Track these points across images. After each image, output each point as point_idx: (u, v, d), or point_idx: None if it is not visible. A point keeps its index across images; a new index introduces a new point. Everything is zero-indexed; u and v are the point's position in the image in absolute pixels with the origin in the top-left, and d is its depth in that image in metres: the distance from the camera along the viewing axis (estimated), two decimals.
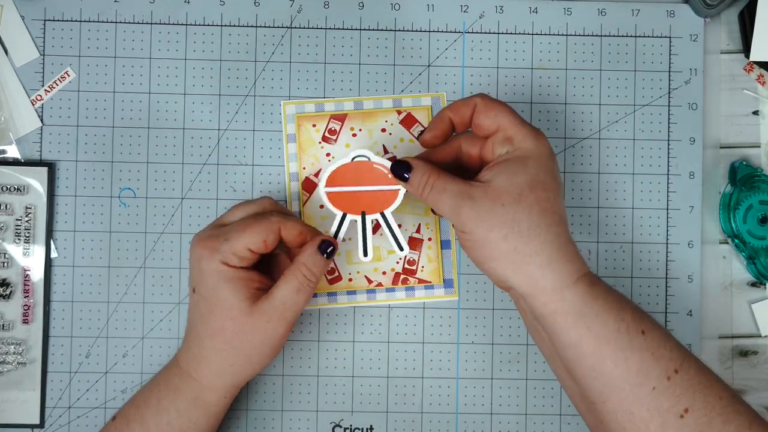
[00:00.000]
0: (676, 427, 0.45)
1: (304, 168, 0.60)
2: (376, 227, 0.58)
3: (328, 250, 0.52)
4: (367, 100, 0.60)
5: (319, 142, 0.60)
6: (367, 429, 0.60)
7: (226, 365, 0.52)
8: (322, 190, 0.53)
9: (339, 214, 0.53)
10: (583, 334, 0.47)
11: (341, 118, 0.60)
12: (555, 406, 0.60)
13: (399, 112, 0.60)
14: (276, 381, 0.60)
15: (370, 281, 0.60)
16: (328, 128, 0.60)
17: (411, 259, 0.60)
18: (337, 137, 0.60)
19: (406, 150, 0.60)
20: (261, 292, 0.52)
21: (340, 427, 0.60)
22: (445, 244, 0.60)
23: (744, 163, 0.60)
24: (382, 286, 0.60)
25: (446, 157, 0.53)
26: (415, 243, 0.60)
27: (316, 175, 0.60)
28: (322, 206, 0.60)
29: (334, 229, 0.53)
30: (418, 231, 0.60)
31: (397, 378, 0.60)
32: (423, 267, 0.60)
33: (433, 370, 0.60)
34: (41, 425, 0.59)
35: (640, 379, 0.46)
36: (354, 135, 0.60)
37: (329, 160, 0.60)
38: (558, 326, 0.47)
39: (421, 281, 0.60)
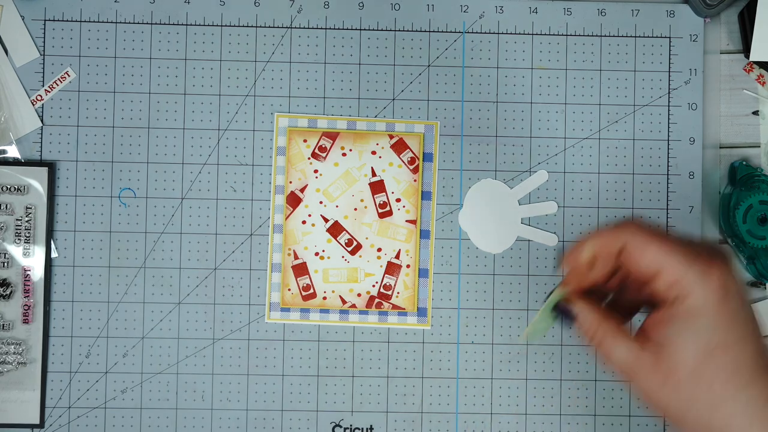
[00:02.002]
0: None
1: (290, 182, 0.60)
2: (356, 248, 0.58)
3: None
4: (360, 120, 0.60)
5: (309, 158, 0.60)
6: (367, 429, 0.60)
7: None
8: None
9: None
10: None
11: (333, 136, 0.60)
12: (555, 406, 0.60)
13: (391, 137, 0.60)
14: (276, 381, 0.60)
15: (344, 302, 0.60)
16: (319, 145, 0.60)
17: (387, 284, 0.60)
18: (327, 155, 0.60)
19: (394, 174, 0.60)
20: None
21: (340, 427, 0.60)
22: (422, 273, 0.60)
23: (744, 163, 0.60)
24: (355, 307, 0.60)
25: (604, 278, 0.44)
26: (393, 268, 0.60)
27: (302, 190, 0.60)
28: (304, 222, 0.60)
29: None
30: (397, 257, 0.60)
31: (397, 378, 0.60)
32: (398, 293, 0.60)
33: (433, 370, 0.60)
34: (41, 425, 0.59)
35: None
36: (344, 154, 0.60)
37: (316, 177, 0.60)
38: None
39: (395, 307, 0.60)
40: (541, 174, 0.60)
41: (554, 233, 0.61)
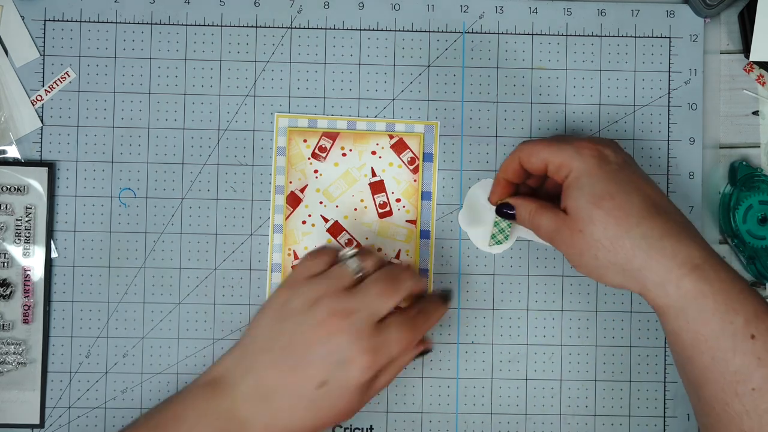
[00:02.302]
0: None
1: (290, 182, 0.60)
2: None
3: (424, 353, 0.54)
4: (360, 120, 0.60)
5: (309, 158, 0.60)
6: (367, 429, 0.60)
7: (298, 429, 0.50)
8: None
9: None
10: (681, 328, 0.47)
11: (333, 136, 0.60)
12: (555, 406, 0.60)
13: (391, 137, 0.60)
14: None
15: None
16: (319, 145, 0.60)
17: None
18: (327, 155, 0.60)
19: (394, 174, 0.60)
20: None
21: (340, 427, 0.60)
22: (422, 273, 0.60)
23: (744, 163, 0.60)
24: None
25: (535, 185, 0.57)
26: None
27: (302, 190, 0.60)
28: (304, 222, 0.60)
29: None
30: (397, 257, 0.60)
31: (397, 378, 0.60)
32: None
33: (433, 370, 0.60)
34: (41, 425, 0.59)
35: (739, 378, 0.46)
36: (344, 155, 0.60)
37: (316, 177, 0.60)
38: (662, 317, 0.48)
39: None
40: None
41: None
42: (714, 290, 0.46)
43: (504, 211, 0.56)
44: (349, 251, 0.53)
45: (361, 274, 0.52)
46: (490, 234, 0.59)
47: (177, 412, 0.50)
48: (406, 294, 0.52)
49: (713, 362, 0.46)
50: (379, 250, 0.60)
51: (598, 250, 0.48)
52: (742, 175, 0.60)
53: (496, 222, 0.59)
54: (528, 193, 0.57)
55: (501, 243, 0.60)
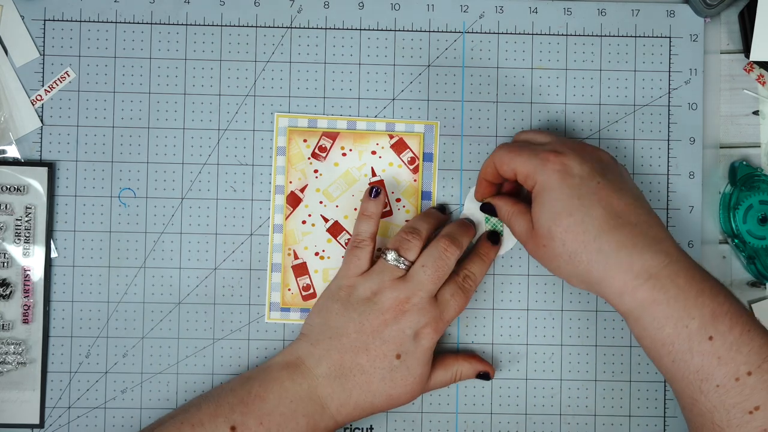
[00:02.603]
0: (743, 422, 0.46)
1: (290, 182, 0.60)
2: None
3: (484, 378, 0.59)
4: (360, 120, 0.60)
5: (308, 158, 0.60)
6: (367, 429, 0.60)
7: (368, 412, 0.55)
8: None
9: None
10: (641, 334, 0.49)
11: (333, 136, 0.60)
12: (555, 406, 0.60)
13: (391, 137, 0.60)
14: None
15: None
16: (319, 145, 0.60)
17: None
18: (327, 155, 0.60)
19: (394, 174, 0.60)
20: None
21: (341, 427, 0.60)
22: None
23: (744, 163, 0.60)
24: None
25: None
26: None
27: (302, 190, 0.60)
28: (304, 222, 0.60)
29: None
30: None
31: None
32: None
33: None
34: (41, 425, 0.59)
35: (701, 377, 0.47)
36: (344, 154, 0.60)
37: (316, 177, 0.60)
38: (626, 321, 0.51)
39: None
40: None
41: None
42: (668, 297, 0.48)
43: (486, 208, 0.58)
44: (389, 255, 0.55)
45: (404, 266, 0.55)
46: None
47: (259, 393, 0.54)
48: (450, 270, 0.55)
49: (674, 364, 0.48)
50: (379, 250, 0.60)
51: (560, 262, 0.51)
52: (742, 175, 0.60)
53: (486, 218, 0.59)
54: (512, 190, 0.58)
55: (497, 243, 0.59)
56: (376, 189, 0.57)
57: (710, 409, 0.47)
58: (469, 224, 0.59)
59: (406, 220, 0.60)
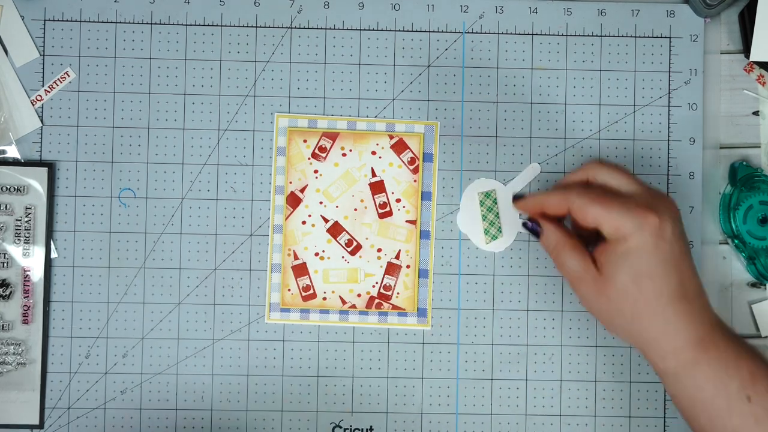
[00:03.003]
0: None
1: (290, 182, 0.60)
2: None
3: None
4: (360, 120, 0.60)
5: (309, 158, 0.60)
6: (367, 429, 0.60)
7: None
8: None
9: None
10: (679, 393, 0.50)
11: (333, 136, 0.60)
12: (555, 406, 0.60)
13: (391, 137, 0.60)
14: (276, 381, 0.60)
15: (344, 302, 0.60)
16: (319, 145, 0.60)
17: (387, 284, 0.60)
18: (327, 155, 0.60)
19: (394, 174, 0.60)
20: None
21: (340, 427, 0.60)
22: (422, 273, 0.60)
23: (744, 163, 0.60)
24: (355, 308, 0.60)
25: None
26: (393, 269, 0.60)
27: (302, 190, 0.60)
28: (304, 222, 0.60)
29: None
30: (397, 257, 0.60)
31: (397, 378, 0.60)
32: (398, 293, 0.60)
33: (433, 370, 0.60)
34: (41, 426, 0.59)
35: None
36: (344, 155, 0.60)
37: (316, 177, 0.60)
38: (661, 379, 0.51)
39: (395, 307, 0.60)
40: (534, 167, 0.60)
41: None
42: (709, 358, 0.49)
43: (530, 226, 0.55)
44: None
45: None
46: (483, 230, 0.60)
47: None
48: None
49: (711, 422, 0.49)
50: (379, 250, 0.60)
51: (616, 315, 0.51)
52: (743, 175, 0.60)
53: (483, 216, 0.59)
54: (561, 216, 0.55)
55: (497, 238, 0.60)
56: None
57: None
58: None
59: (407, 221, 0.60)
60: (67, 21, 0.60)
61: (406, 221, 0.60)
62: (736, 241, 0.60)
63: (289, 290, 0.60)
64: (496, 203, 0.60)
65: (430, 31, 0.61)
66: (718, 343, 0.49)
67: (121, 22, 0.60)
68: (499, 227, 0.59)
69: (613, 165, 0.53)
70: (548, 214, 0.54)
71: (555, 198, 0.53)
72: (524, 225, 0.56)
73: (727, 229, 0.60)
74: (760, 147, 0.61)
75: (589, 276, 0.51)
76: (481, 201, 0.60)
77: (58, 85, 0.60)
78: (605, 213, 0.50)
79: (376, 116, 0.61)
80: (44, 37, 0.60)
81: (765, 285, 0.61)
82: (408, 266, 0.60)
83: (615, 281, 0.50)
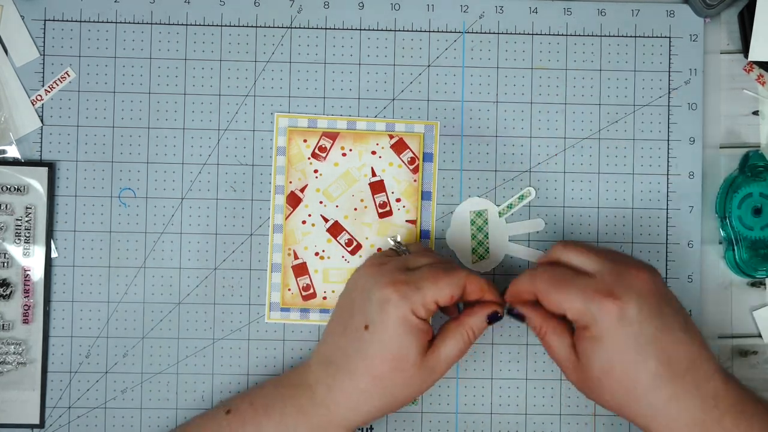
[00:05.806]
0: None
1: (290, 182, 0.60)
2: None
3: (494, 319, 0.53)
4: (360, 120, 0.60)
5: (308, 158, 0.60)
6: (367, 429, 0.60)
7: (368, 407, 0.51)
8: None
9: None
10: None
11: (333, 136, 0.60)
12: (555, 406, 0.60)
13: (391, 137, 0.60)
14: None
15: None
16: (319, 145, 0.60)
17: None
18: (327, 155, 0.60)
19: (394, 174, 0.60)
20: (428, 344, 0.51)
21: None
22: None
23: (759, 152, 0.60)
24: None
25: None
26: None
27: (302, 190, 0.60)
28: (304, 222, 0.60)
29: None
30: None
31: None
32: None
33: None
34: (41, 425, 0.59)
35: None
36: (344, 155, 0.60)
37: (316, 177, 0.60)
38: None
39: None
40: (528, 192, 0.60)
41: (542, 251, 0.60)
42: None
43: (514, 312, 0.53)
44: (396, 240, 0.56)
45: (405, 252, 0.55)
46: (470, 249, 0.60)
47: (258, 383, 0.56)
48: (456, 284, 0.51)
49: None
50: (379, 250, 0.60)
51: (605, 401, 0.50)
52: (753, 162, 0.59)
53: (473, 235, 0.59)
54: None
55: (484, 258, 0.60)
56: (497, 318, 0.53)
57: None
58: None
59: (407, 221, 0.60)
60: (67, 21, 0.60)
61: (406, 221, 0.60)
62: (724, 223, 0.59)
63: (289, 290, 0.60)
64: (486, 223, 0.60)
65: (430, 31, 0.61)
66: (722, 420, 0.47)
67: (121, 22, 0.60)
68: (487, 247, 0.59)
69: (577, 244, 0.52)
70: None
71: (524, 284, 0.52)
72: (508, 312, 0.53)
73: (720, 209, 0.60)
74: (759, 147, 0.61)
75: (571, 362, 0.50)
76: (472, 220, 0.60)
77: (58, 85, 0.60)
78: (564, 299, 0.49)
79: (376, 116, 0.61)
80: (44, 37, 0.60)
81: (765, 285, 0.61)
82: None
83: (591, 369, 0.49)
